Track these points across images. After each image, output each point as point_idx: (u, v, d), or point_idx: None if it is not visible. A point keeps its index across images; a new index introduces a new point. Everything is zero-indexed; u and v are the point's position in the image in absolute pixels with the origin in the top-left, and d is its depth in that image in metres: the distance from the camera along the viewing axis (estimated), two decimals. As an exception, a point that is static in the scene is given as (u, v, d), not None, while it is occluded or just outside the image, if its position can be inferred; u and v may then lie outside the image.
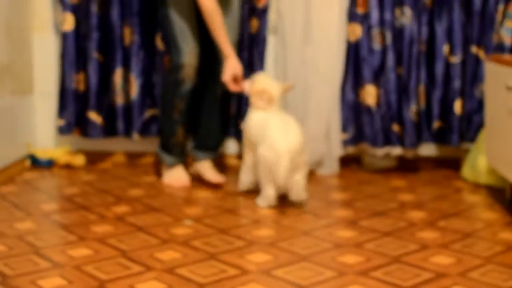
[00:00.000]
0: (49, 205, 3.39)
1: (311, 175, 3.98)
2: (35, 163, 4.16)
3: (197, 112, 3.92)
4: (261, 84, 3.57)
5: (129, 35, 4.17)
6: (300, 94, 4.10)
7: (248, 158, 3.54)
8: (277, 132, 3.34)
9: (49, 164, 4.14)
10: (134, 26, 4.16)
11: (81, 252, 2.68)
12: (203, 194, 3.63)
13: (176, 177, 3.83)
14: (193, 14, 3.71)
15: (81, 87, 4.20)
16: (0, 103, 3.81)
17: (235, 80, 3.69)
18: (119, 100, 4.19)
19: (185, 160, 3.92)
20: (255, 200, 3.42)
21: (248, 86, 3.64)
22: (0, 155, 3.79)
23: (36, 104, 4.31)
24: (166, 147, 3.86)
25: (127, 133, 4.25)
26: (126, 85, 4.19)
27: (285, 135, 3.32)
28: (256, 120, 3.51)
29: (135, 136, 4.21)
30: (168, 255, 2.66)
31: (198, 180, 3.84)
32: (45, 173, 4.00)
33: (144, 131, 4.24)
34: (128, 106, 4.21)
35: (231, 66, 3.65)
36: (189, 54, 3.69)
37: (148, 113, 4.23)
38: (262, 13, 4.15)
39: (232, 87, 3.68)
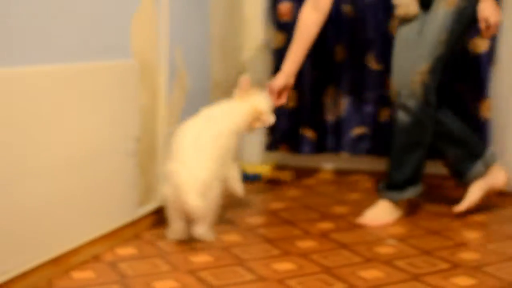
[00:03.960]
0: (254, 218, 3.47)
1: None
2: (243, 177, 4.25)
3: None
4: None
5: (342, 53, 4.21)
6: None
7: None
8: None
9: (257, 179, 4.23)
10: (347, 44, 4.20)
11: (285, 266, 2.72)
12: (407, 214, 3.59)
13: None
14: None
15: (291, 103, 4.28)
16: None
17: (281, 93, 3.38)
18: (329, 117, 4.25)
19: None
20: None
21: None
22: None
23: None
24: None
25: (336, 149, 4.29)
26: (336, 101, 4.22)
27: None
28: None
29: (343, 153, 4.24)
30: (371, 273, 2.64)
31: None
32: (252, 187, 4.09)
33: (352, 149, 4.27)
34: (337, 123, 4.27)
35: (288, 79, 3.35)
36: None
37: (357, 131, 4.25)
38: None
39: (274, 98, 3.34)
